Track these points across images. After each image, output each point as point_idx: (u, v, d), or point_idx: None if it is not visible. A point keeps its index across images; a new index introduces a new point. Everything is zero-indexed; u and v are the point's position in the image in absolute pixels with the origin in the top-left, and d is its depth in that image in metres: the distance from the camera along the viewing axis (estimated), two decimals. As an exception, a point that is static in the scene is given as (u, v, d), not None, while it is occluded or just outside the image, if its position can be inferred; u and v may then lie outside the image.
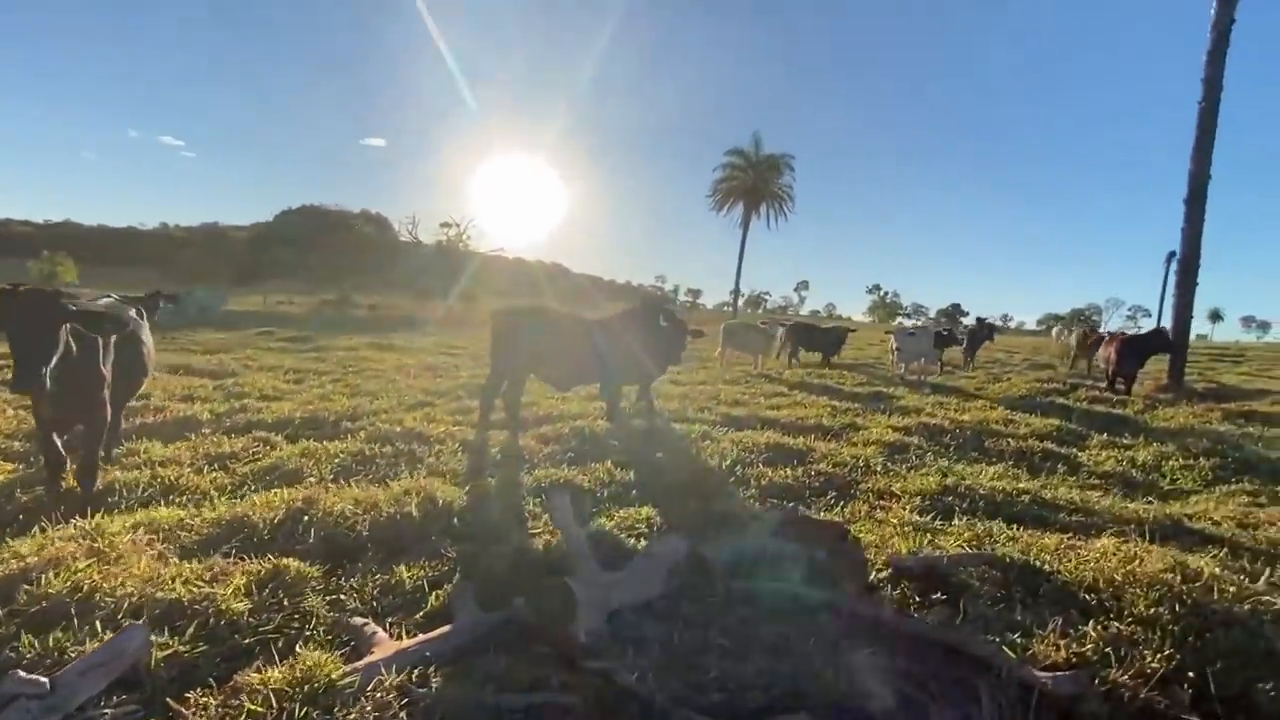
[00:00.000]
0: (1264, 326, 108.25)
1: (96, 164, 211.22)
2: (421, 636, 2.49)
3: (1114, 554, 3.61)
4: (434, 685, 2.23)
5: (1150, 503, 5.19)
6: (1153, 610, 3.01)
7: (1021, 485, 5.15)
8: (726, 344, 15.03)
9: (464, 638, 2.48)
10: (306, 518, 3.58)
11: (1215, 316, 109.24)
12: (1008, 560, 3.47)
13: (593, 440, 6.14)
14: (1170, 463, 6.69)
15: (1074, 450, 7.13)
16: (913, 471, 5.79)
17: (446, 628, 2.55)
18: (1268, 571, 3.67)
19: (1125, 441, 7.58)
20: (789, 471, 5.49)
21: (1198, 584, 3.22)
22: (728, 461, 5.71)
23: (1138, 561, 3.49)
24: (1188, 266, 12.66)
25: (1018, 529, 4.25)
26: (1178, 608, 3.00)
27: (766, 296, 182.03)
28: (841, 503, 4.89)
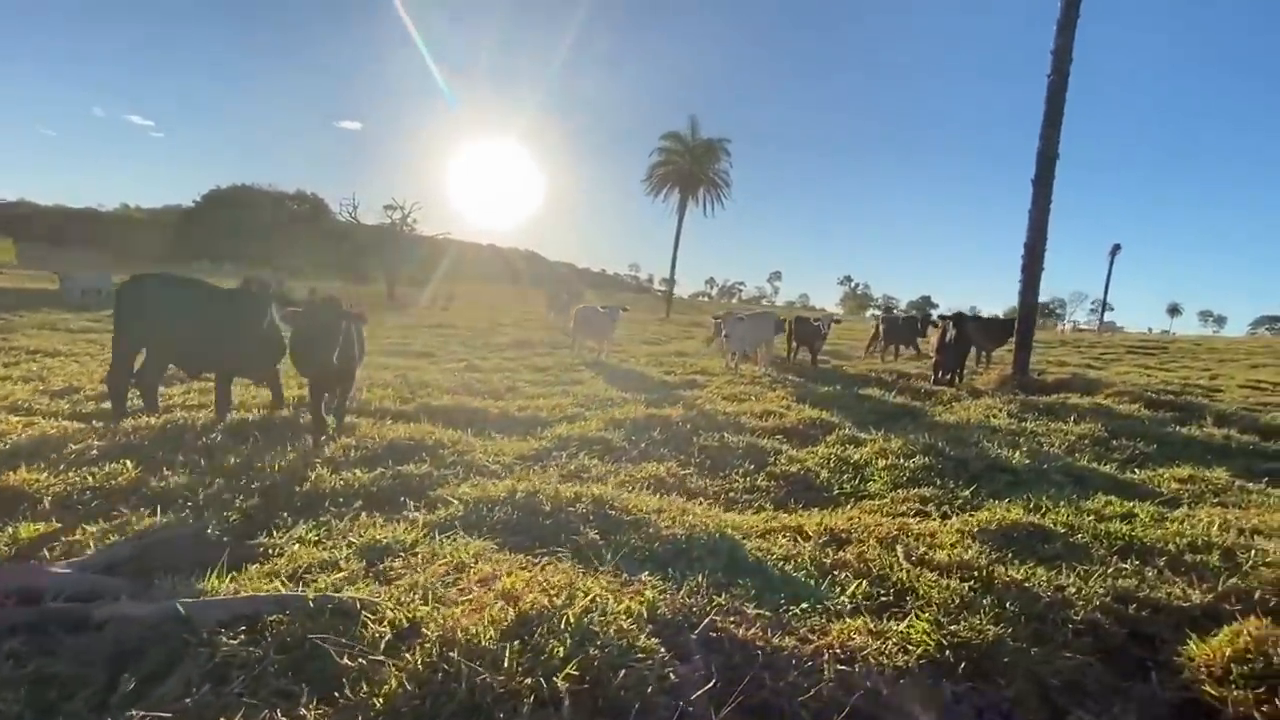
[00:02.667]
0: (1220, 321, 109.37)
1: (57, 142, 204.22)
2: None
3: (498, 581, 2.75)
4: None
5: (764, 510, 4.37)
6: (399, 681, 2.14)
7: (603, 491, 4.27)
8: (577, 330, 14.16)
9: None
10: None
11: (1174, 311, 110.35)
12: (312, 605, 2.58)
13: (171, 437, 5.20)
14: (881, 461, 5.89)
15: (789, 447, 6.31)
16: (535, 472, 4.94)
17: None
18: (699, 602, 2.84)
19: (866, 437, 6.77)
20: (362, 474, 4.60)
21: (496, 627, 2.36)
22: (292, 459, 4.80)
23: (509, 596, 2.64)
24: (1033, 252, 11.90)
25: (509, 550, 3.41)
26: (404, 678, 2.13)
27: (740, 287, 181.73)
28: (373, 511, 4.00)
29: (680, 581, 3.19)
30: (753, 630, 2.78)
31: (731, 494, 5.09)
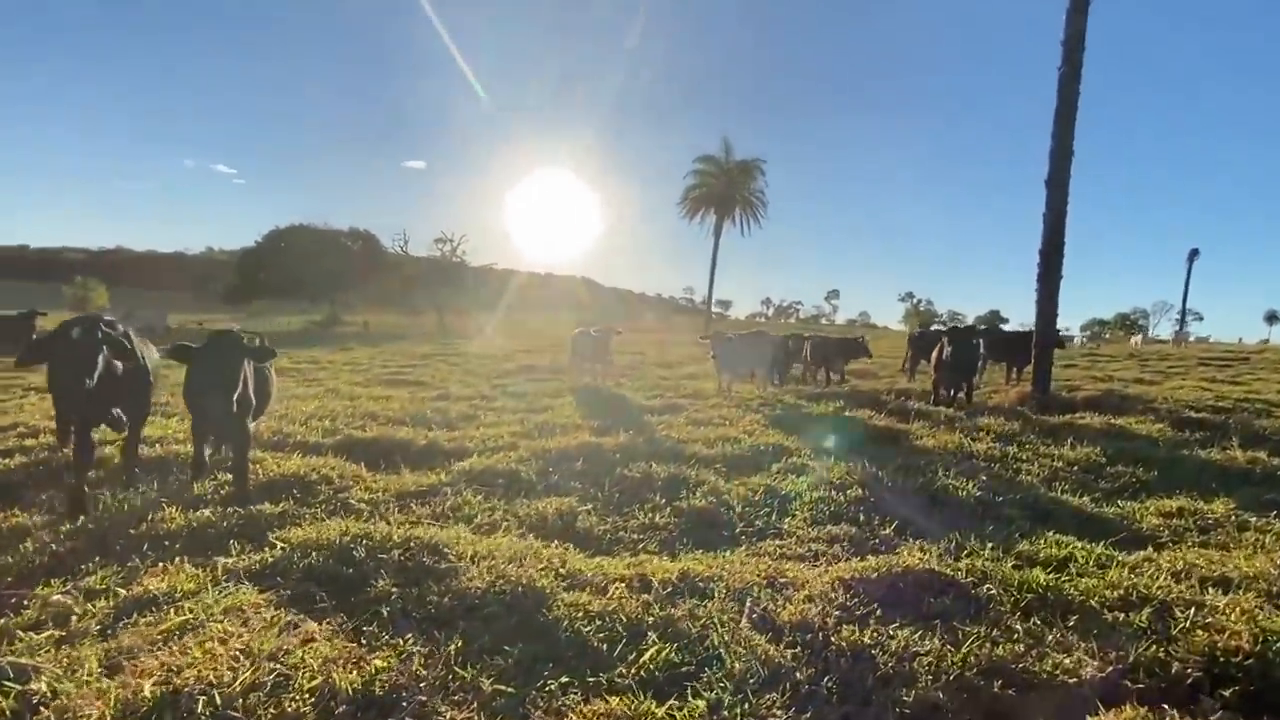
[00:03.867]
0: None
1: (154, 193, 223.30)
2: None
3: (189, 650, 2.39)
4: None
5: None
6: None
7: (439, 535, 3.86)
8: (571, 354, 13.89)
9: None
10: None
11: (1273, 318, 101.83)
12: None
13: (53, 475, 5.11)
14: (812, 494, 5.29)
15: (720, 477, 5.75)
16: (400, 510, 4.60)
17: None
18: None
19: (813, 465, 6.14)
20: (211, 514, 4.35)
21: None
22: (142, 497, 4.59)
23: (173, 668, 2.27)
24: (1049, 258, 10.93)
25: (278, 605, 3.05)
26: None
27: (798, 306, 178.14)
28: (188, 555, 3.72)
29: (443, 644, 2.76)
30: (464, 714, 2.32)
31: (620, 533, 4.60)
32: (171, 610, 2.98)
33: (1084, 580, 3.61)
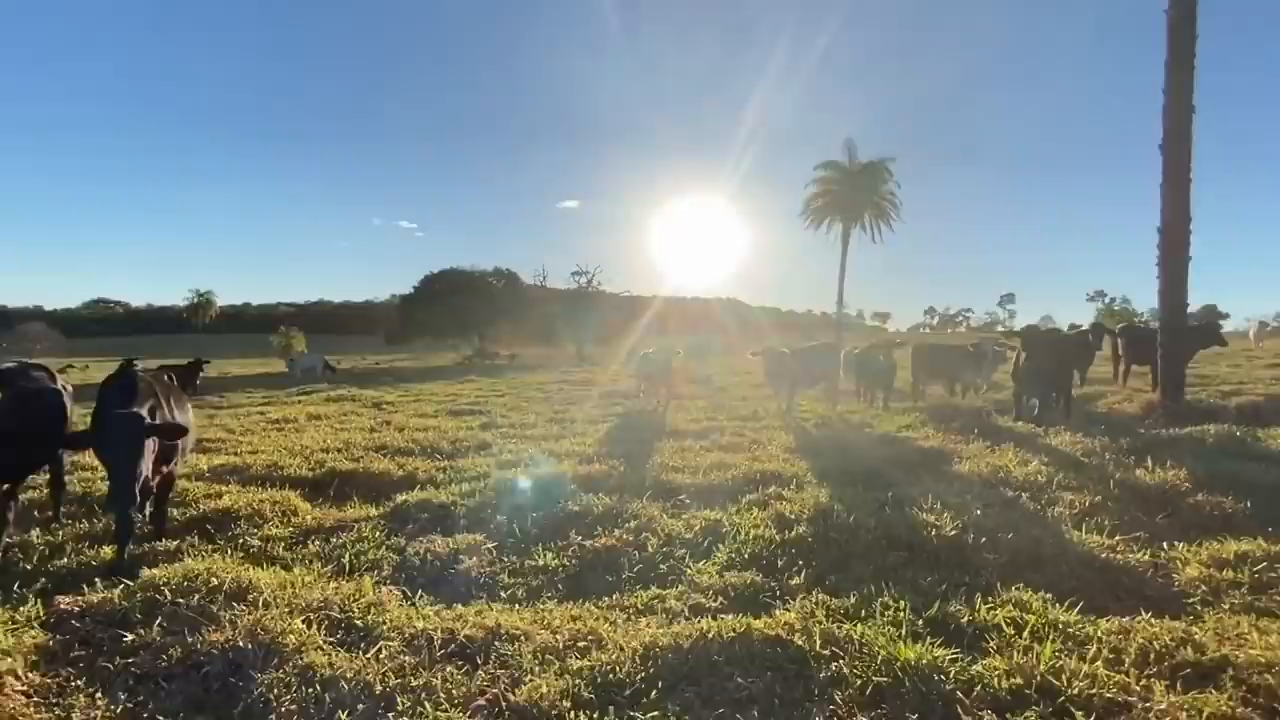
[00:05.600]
0: None
1: (348, 250, 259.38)
2: None
3: None
4: None
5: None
6: None
7: (258, 576, 3.66)
8: (637, 377, 13.60)
9: None
10: None
11: None
12: None
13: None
14: (754, 531, 4.52)
15: (669, 512, 5.12)
16: (298, 548, 4.49)
17: None
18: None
19: (790, 495, 5.31)
20: (106, 552, 4.49)
21: None
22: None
23: None
24: (1174, 237, 8.96)
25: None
26: None
27: (968, 314, 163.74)
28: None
29: (113, 711, 2.51)
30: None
31: (500, 576, 4.15)
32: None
33: (984, 661, 2.66)
